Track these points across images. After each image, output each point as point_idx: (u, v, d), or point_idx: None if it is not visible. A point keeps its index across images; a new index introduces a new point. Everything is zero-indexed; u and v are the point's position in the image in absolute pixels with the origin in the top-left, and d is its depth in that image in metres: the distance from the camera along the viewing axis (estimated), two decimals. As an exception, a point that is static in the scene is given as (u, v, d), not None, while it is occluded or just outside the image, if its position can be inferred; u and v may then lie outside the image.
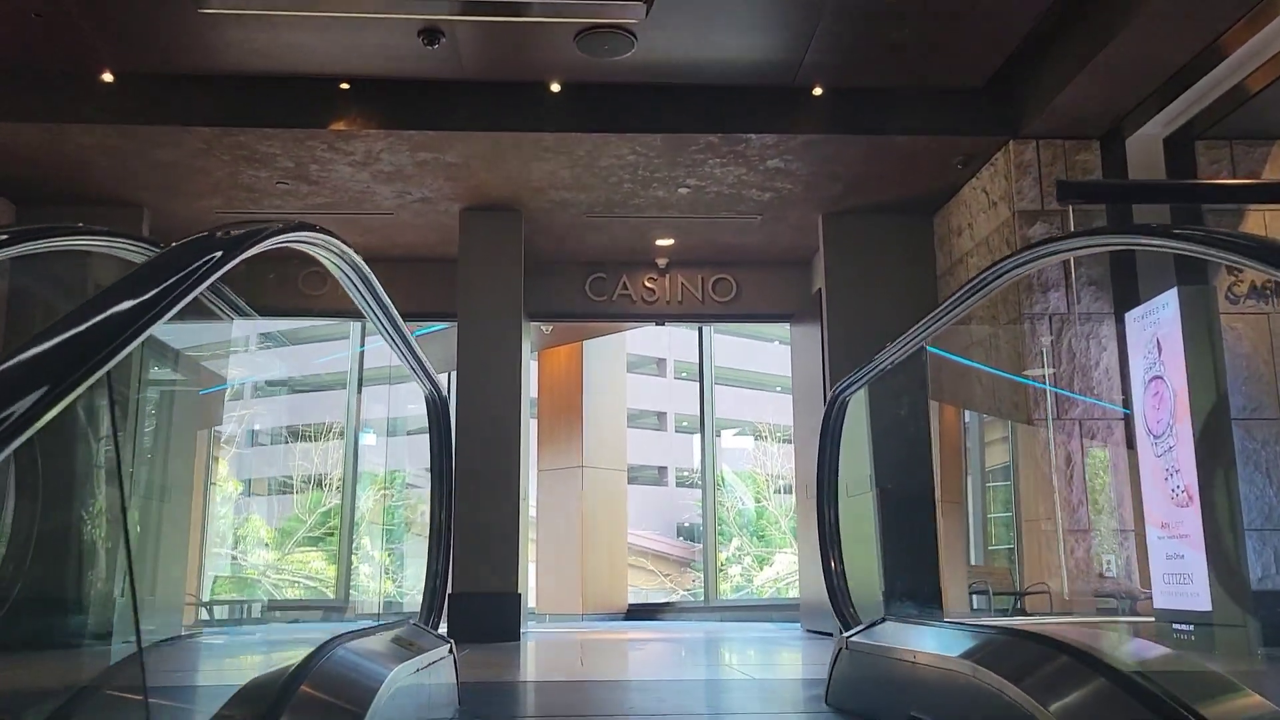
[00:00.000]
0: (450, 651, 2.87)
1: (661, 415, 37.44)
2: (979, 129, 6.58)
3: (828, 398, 3.82)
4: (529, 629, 8.84)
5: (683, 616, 11.02)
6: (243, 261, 1.72)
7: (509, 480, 7.45)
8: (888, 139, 6.61)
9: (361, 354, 10.25)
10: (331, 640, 2.02)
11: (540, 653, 6.33)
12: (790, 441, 24.10)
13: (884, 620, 3.04)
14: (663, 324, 9.18)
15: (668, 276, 8.93)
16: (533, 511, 11.15)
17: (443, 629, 7.23)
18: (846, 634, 3.11)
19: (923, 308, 7.74)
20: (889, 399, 7.58)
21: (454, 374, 7.83)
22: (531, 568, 11.23)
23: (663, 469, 37.60)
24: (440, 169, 6.97)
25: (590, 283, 8.87)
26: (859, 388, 3.72)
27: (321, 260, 2.30)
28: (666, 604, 11.36)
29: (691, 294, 8.92)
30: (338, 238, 2.27)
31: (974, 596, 7.43)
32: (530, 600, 11.19)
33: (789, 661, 5.83)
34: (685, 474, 37.33)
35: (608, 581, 11.39)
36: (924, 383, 7.39)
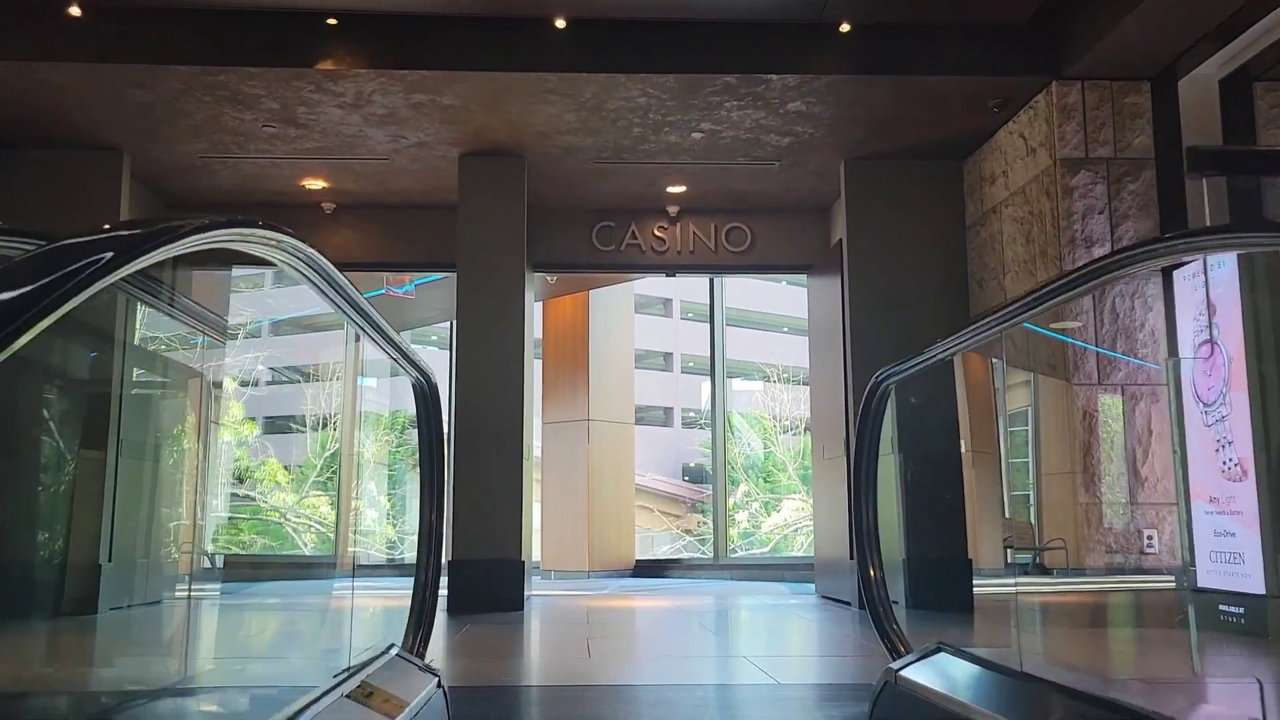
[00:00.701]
0: (439, 687, 2.50)
1: (668, 356, 37.10)
2: (1019, 69, 6.08)
3: (869, 385, 3.38)
4: (533, 589, 8.55)
5: (691, 574, 10.73)
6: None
7: (512, 440, 7.08)
8: (919, 80, 6.11)
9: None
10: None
11: (544, 631, 6.00)
12: (800, 383, 23.78)
13: (938, 651, 2.66)
14: (673, 275, 8.74)
15: (679, 225, 8.48)
16: (537, 468, 10.82)
17: (441, 600, 6.93)
18: (894, 666, 2.73)
19: (950, 259, 7.32)
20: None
21: (454, 325, 7.42)
22: (536, 523, 10.94)
23: (668, 410, 37.34)
24: (436, 112, 6.49)
25: (597, 232, 8.41)
26: (905, 377, 3.28)
27: (275, 261, 1.88)
28: (674, 560, 11.07)
29: (704, 243, 8.47)
30: (290, 234, 1.85)
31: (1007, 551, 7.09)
32: (535, 555, 10.91)
33: (810, 652, 5.49)
34: (691, 415, 37.08)
35: (615, 537, 11.10)
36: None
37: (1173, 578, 5.64)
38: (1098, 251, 5.88)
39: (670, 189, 7.96)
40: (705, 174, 7.64)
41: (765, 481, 22.75)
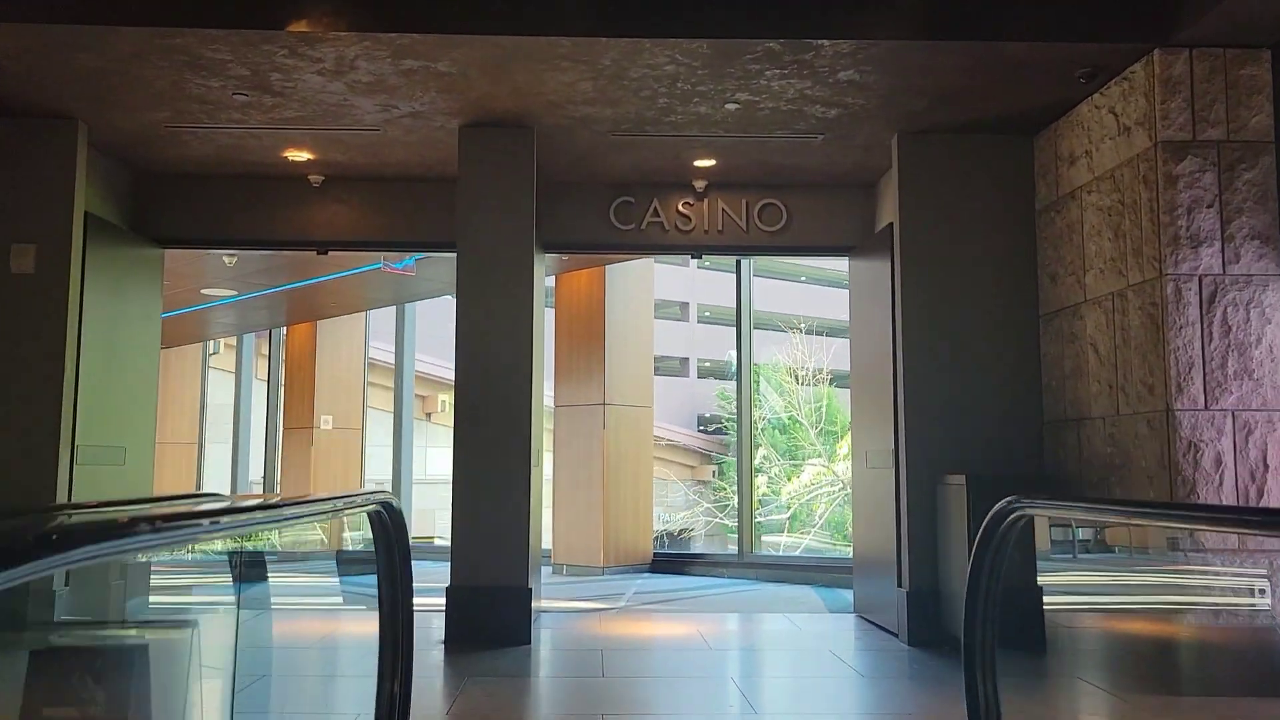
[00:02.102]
0: None
1: (684, 305, 36.30)
2: (1115, 34, 5.15)
3: (992, 512, 2.55)
4: (543, 597, 7.82)
5: (714, 571, 9.98)
6: None
7: (518, 448, 6.29)
8: (998, 46, 5.19)
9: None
10: None
11: (551, 685, 5.24)
12: (819, 333, 22.79)
13: None
14: (699, 256, 7.88)
15: (706, 201, 7.59)
16: (549, 454, 10.06)
17: (438, 632, 6.19)
18: None
19: (1016, 246, 6.42)
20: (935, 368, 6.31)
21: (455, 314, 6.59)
22: (548, 513, 10.21)
23: (684, 360, 36.64)
24: (431, 80, 5.61)
25: (615, 208, 7.54)
26: (1043, 512, 2.46)
27: None
28: (696, 556, 10.32)
29: (733, 222, 7.59)
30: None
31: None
32: (546, 543, 10.19)
33: None
34: (708, 365, 36.42)
35: (632, 529, 10.35)
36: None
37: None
38: (1205, 253, 5.00)
39: (698, 163, 7.07)
40: (738, 147, 6.75)
41: (783, 435, 21.85)
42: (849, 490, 20.49)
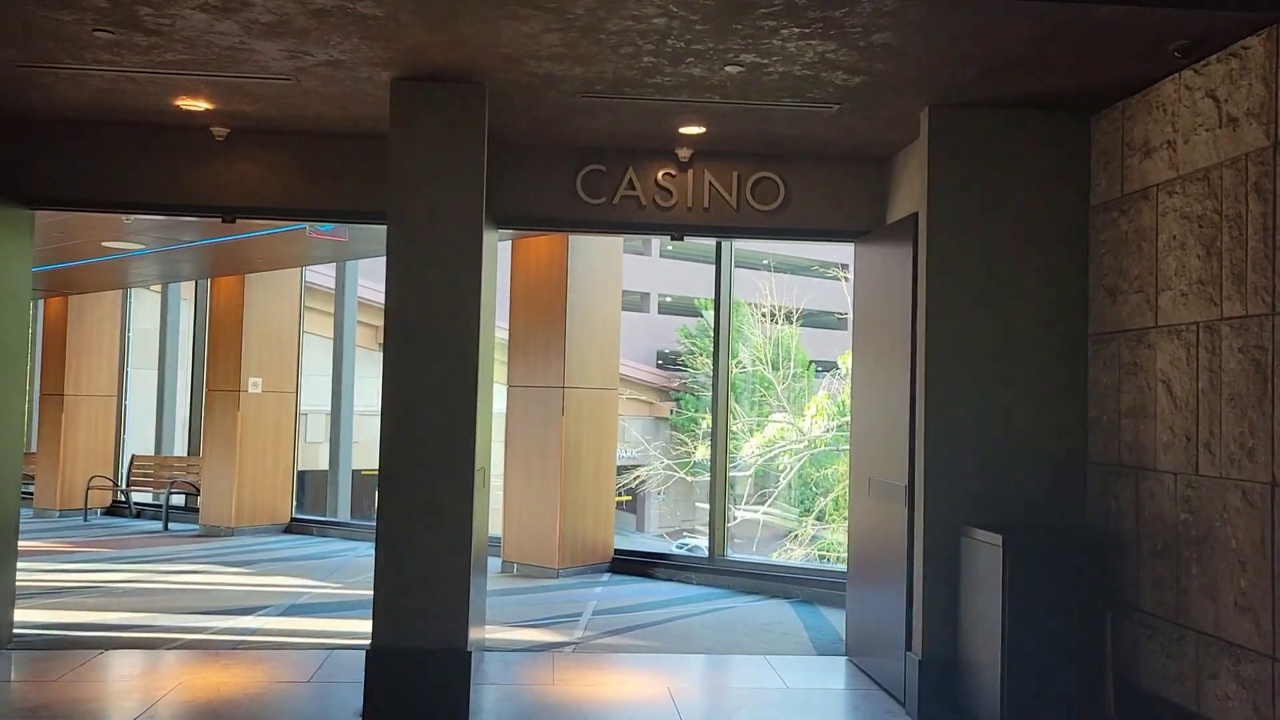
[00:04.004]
0: None
1: (646, 241, 35.09)
2: (1229, 1, 4.01)
3: None
4: (491, 588, 6.79)
5: (681, 576, 8.97)
6: None
7: (460, 467, 5.17)
8: (1087, 10, 4.02)
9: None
10: None
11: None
12: (792, 273, 21.72)
13: None
14: (680, 239, 6.70)
15: (691, 172, 6.41)
16: (500, 439, 8.96)
17: (355, 700, 5.10)
18: None
19: (1064, 247, 5.28)
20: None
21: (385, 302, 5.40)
22: (498, 508, 9.13)
23: (645, 295, 35.60)
24: (352, 23, 4.36)
25: (583, 178, 6.34)
26: None
27: None
28: (661, 558, 9.29)
29: (722, 198, 6.42)
30: None
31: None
32: (496, 530, 9.16)
33: None
34: (669, 300, 35.44)
35: (592, 526, 9.31)
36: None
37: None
38: (1336, 288, 3.93)
39: (684, 130, 5.88)
40: (734, 115, 5.56)
41: (762, 387, 20.90)
42: (815, 450, 19.67)
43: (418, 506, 5.12)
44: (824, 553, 17.94)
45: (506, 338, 9.46)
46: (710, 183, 6.42)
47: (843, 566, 9.95)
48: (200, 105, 5.62)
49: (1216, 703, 4.24)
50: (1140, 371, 4.84)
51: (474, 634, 5.35)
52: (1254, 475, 4.05)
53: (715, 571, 8.81)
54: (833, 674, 6.13)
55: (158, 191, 6.18)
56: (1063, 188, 5.36)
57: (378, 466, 5.19)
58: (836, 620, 7.44)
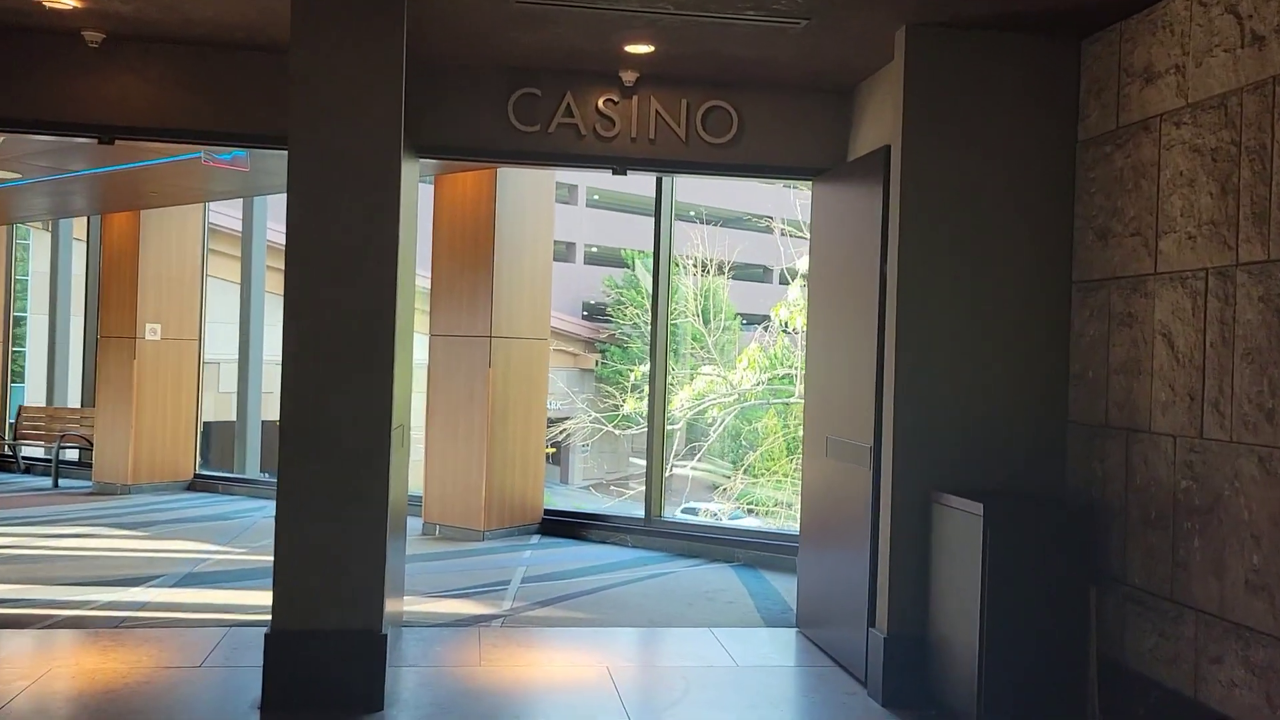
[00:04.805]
0: None
1: (572, 189, 34.33)
2: (1270, -105, 3.50)
3: None
4: (412, 552, 6.19)
5: (616, 539, 8.44)
6: None
7: (373, 432, 4.53)
8: (1110, -98, 3.48)
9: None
10: None
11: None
12: (721, 224, 21.21)
13: None
14: (623, 173, 6.06)
15: (635, 98, 5.78)
16: (421, 390, 8.31)
17: (253, 690, 4.44)
18: None
19: (1047, 185, 4.66)
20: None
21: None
22: (419, 461, 8.51)
23: (571, 245, 34.87)
24: (240, -106, 3.62)
25: (516, 103, 5.67)
26: None
27: None
28: (596, 518, 8.74)
29: (670, 129, 5.81)
30: None
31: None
32: (417, 489, 8.58)
33: None
34: (595, 251, 34.82)
35: (520, 485, 8.72)
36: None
37: None
38: (1375, 230, 3.48)
39: (630, 48, 5.24)
40: (686, 32, 4.94)
41: (693, 340, 20.46)
42: (744, 403, 19.29)
43: (325, 470, 4.47)
44: (752, 506, 17.69)
45: (429, 285, 8.76)
46: (657, 111, 5.79)
47: (785, 528, 9.63)
48: (67, 3, 4.81)
49: (1220, 689, 3.84)
50: (1135, 323, 4.38)
51: (391, 607, 4.75)
52: (1273, 440, 3.61)
53: (652, 534, 8.30)
54: (784, 648, 5.66)
55: (23, 106, 5.36)
56: (1048, 119, 4.85)
57: (279, 425, 4.52)
58: (782, 586, 7.00)
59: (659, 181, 8.41)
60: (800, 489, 6.14)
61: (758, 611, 6.43)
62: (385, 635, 4.52)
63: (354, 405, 4.49)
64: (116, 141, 5.63)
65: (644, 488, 8.50)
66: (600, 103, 5.74)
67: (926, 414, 4.78)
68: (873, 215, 5.08)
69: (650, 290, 8.68)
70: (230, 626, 5.71)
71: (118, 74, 5.41)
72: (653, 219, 8.50)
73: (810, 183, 6.08)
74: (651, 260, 8.48)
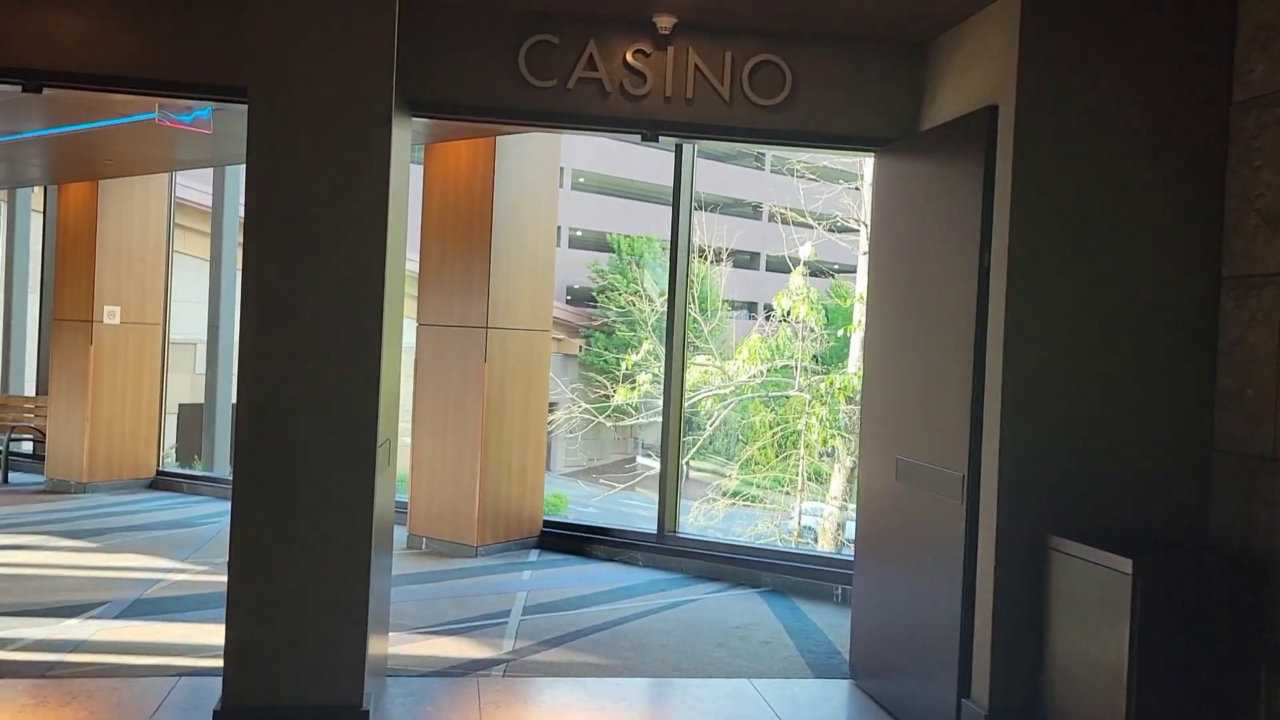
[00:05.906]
0: None
1: (559, 170, 33.45)
2: None
3: None
4: (397, 572, 5.27)
5: (624, 555, 7.53)
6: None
7: (355, 452, 3.60)
8: None
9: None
10: None
11: None
12: (718, 210, 20.26)
13: None
14: (654, 139, 5.09)
15: (671, 50, 4.83)
16: (409, 385, 7.37)
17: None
18: None
19: (1189, 160, 3.83)
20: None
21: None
22: (407, 468, 7.58)
23: (556, 228, 34.08)
24: None
25: (528, 52, 4.72)
26: None
27: None
28: (603, 532, 7.81)
29: (710, 87, 4.87)
30: None
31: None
32: (403, 496, 7.68)
33: None
34: (579, 234, 34.02)
35: (518, 494, 7.78)
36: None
37: None
38: None
39: (670, -13, 4.30)
40: (748, -39, 3.99)
41: (689, 330, 19.60)
42: (742, 396, 18.43)
43: (291, 505, 3.54)
44: (748, 504, 16.86)
45: (416, 268, 7.78)
46: (696, 65, 4.85)
47: (813, 549, 8.74)
48: (-28, -90, 3.83)
49: None
50: (1316, 332, 3.48)
51: (374, 650, 3.83)
52: None
53: (665, 551, 7.38)
54: (839, 708, 4.76)
55: None
56: (1196, 75, 3.94)
57: (232, 448, 3.58)
58: (822, 620, 6.11)
59: (678, 161, 7.44)
60: (857, 513, 5.23)
61: (800, 655, 5.52)
62: (367, 713, 3.59)
63: (329, 427, 3.54)
64: (45, 90, 4.62)
65: (656, 494, 7.57)
66: (629, 54, 4.79)
67: (1040, 440, 3.88)
68: (968, 194, 4.16)
69: (666, 278, 7.72)
70: (180, 675, 4.75)
71: (46, 8, 4.43)
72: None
73: (871, 155, 5.14)
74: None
